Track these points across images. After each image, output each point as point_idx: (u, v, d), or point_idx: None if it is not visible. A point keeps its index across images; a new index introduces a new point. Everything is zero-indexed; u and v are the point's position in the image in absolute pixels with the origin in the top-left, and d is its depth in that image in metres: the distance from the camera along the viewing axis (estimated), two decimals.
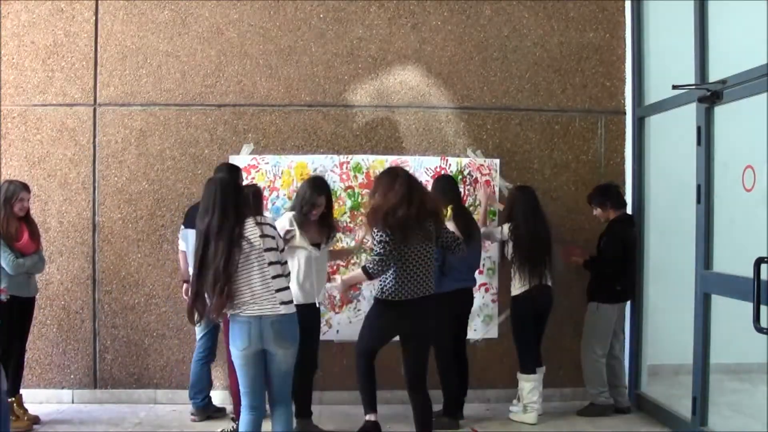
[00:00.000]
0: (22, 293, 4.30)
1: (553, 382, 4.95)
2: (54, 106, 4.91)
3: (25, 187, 4.37)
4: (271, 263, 3.12)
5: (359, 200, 4.88)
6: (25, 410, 4.38)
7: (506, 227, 4.51)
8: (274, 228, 3.26)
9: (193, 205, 4.36)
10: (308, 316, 3.83)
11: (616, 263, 4.60)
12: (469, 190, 4.94)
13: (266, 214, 4.41)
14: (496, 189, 4.97)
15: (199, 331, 4.46)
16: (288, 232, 3.89)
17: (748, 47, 3.70)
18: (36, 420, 4.39)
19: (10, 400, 4.26)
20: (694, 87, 4.01)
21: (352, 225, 4.84)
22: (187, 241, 4.29)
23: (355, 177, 4.89)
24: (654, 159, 4.96)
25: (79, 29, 4.91)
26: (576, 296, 5.02)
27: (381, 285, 3.70)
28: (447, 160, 4.96)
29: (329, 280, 4.28)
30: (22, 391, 4.47)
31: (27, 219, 4.40)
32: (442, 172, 4.92)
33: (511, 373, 4.66)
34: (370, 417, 3.89)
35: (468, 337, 4.75)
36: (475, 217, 4.68)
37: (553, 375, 4.94)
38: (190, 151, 4.93)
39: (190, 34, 4.95)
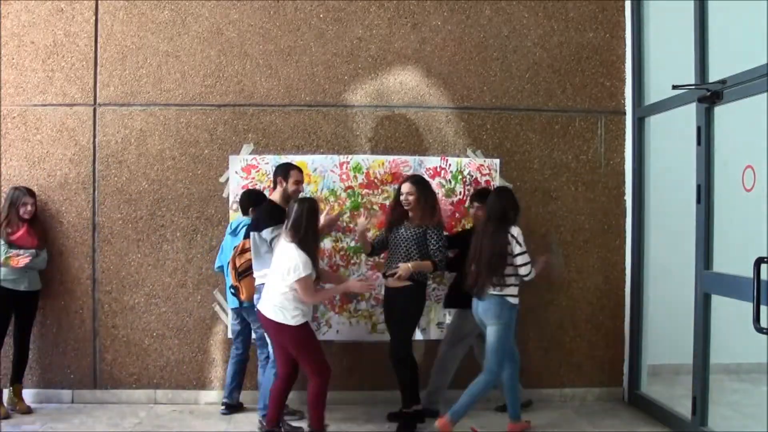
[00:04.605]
0: (17, 287, 4.48)
1: (554, 382, 4.96)
2: (54, 106, 4.91)
3: (29, 192, 4.62)
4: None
5: (359, 200, 4.88)
6: (20, 400, 4.58)
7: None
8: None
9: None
10: None
11: None
12: (468, 190, 4.94)
13: None
14: None
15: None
16: None
17: (748, 47, 3.70)
18: (28, 410, 4.56)
19: (9, 388, 4.57)
20: (694, 87, 4.01)
21: (352, 225, 4.84)
22: None
23: (355, 177, 4.89)
24: (654, 159, 4.96)
25: (79, 29, 4.92)
26: (575, 296, 5.03)
27: None
28: (447, 160, 4.96)
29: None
30: (23, 390, 4.60)
31: (34, 223, 4.65)
32: (442, 172, 4.92)
33: None
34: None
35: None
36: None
37: (554, 375, 4.95)
38: (190, 151, 4.93)
39: (190, 34, 4.95)
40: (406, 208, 4.32)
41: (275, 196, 4.30)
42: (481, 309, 4.13)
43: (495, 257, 4.04)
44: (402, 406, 4.30)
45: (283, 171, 4.29)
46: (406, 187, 4.32)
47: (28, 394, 4.68)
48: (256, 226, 4.18)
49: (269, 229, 4.08)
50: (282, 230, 3.98)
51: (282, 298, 3.85)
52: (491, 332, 4.10)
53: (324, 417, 3.97)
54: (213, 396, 4.89)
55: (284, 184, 4.25)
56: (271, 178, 4.76)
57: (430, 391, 4.56)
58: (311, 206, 3.95)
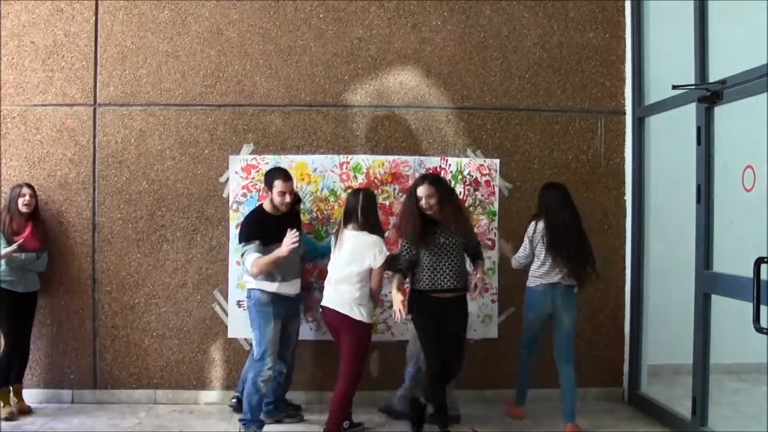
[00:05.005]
0: (14, 288, 4.45)
1: (554, 382, 4.95)
2: (54, 106, 4.91)
3: (27, 185, 4.59)
4: None
5: None
6: (20, 400, 4.57)
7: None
8: None
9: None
10: None
11: None
12: (468, 190, 4.95)
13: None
14: (496, 189, 4.97)
15: None
16: None
17: (748, 47, 3.70)
18: (28, 410, 4.56)
19: (9, 387, 4.53)
20: (694, 87, 4.01)
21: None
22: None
23: (355, 177, 4.89)
24: (654, 159, 4.96)
25: (79, 29, 4.92)
26: (576, 296, 5.02)
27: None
28: (447, 160, 4.96)
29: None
30: (24, 390, 4.61)
31: (36, 219, 4.60)
32: (442, 172, 4.92)
33: (512, 374, 4.66)
34: None
35: (468, 336, 4.76)
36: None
37: (554, 375, 4.94)
38: (190, 151, 4.93)
39: (190, 34, 4.95)
40: (428, 213, 3.94)
41: (266, 203, 4.19)
42: (570, 300, 4.30)
43: (589, 251, 4.30)
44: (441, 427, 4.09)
45: (269, 181, 4.13)
46: (423, 190, 3.93)
47: (28, 394, 4.68)
48: (238, 233, 4.20)
49: (242, 244, 4.06)
50: (254, 245, 3.94)
51: (359, 292, 3.95)
52: (572, 321, 4.31)
53: (341, 421, 4.08)
54: (213, 396, 4.89)
55: (269, 194, 4.12)
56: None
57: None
58: (369, 194, 4.12)
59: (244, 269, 4.09)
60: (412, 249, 3.97)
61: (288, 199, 4.10)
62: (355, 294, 3.94)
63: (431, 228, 3.96)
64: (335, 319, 4.00)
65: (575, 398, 4.36)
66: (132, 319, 4.90)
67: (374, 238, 3.95)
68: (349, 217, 4.04)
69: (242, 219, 4.28)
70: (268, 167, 4.83)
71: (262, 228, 4.02)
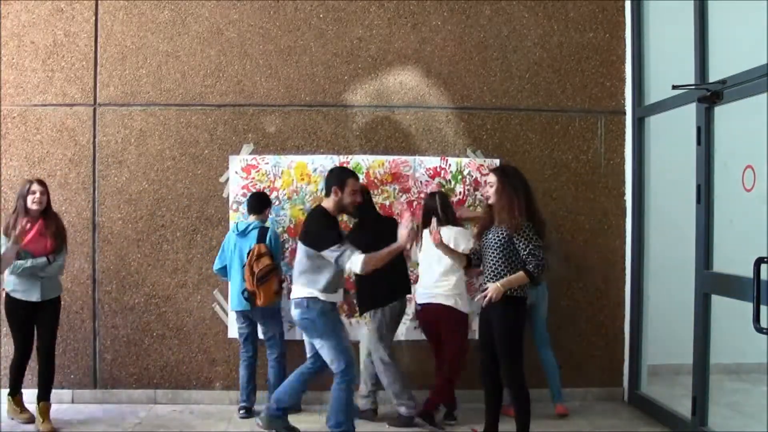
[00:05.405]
0: (28, 297, 4.19)
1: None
2: (54, 106, 4.91)
3: (38, 181, 4.24)
4: None
5: None
6: (46, 420, 4.30)
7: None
8: None
9: None
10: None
11: None
12: (468, 190, 4.95)
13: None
14: None
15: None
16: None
17: (748, 47, 3.70)
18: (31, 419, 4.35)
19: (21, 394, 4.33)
20: (694, 87, 4.01)
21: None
22: None
23: None
24: (654, 159, 4.96)
25: (79, 29, 4.92)
26: (575, 296, 5.03)
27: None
28: (447, 160, 4.96)
29: None
30: (23, 390, 4.49)
31: (47, 218, 4.23)
32: (442, 172, 4.92)
33: None
34: None
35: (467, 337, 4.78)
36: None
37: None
38: (190, 151, 4.93)
39: (190, 34, 4.95)
40: (488, 202, 3.79)
41: (328, 204, 3.90)
42: (542, 290, 4.60)
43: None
44: None
45: (339, 180, 3.87)
46: (488, 178, 3.81)
47: (27, 394, 4.66)
48: (309, 240, 3.81)
49: (332, 248, 3.69)
50: (347, 246, 3.70)
51: (458, 282, 4.34)
52: (546, 309, 4.66)
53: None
54: (213, 396, 4.89)
55: (339, 194, 3.84)
56: (272, 178, 4.78)
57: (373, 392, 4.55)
58: (444, 194, 4.60)
59: (336, 272, 3.80)
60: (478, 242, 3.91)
61: (359, 199, 3.97)
62: (455, 284, 4.33)
63: (491, 222, 3.80)
64: (437, 314, 4.32)
65: (560, 379, 4.65)
66: (132, 319, 4.90)
67: (460, 228, 4.42)
68: (429, 217, 4.24)
69: (312, 223, 3.89)
70: (268, 167, 4.85)
71: (335, 229, 3.85)
